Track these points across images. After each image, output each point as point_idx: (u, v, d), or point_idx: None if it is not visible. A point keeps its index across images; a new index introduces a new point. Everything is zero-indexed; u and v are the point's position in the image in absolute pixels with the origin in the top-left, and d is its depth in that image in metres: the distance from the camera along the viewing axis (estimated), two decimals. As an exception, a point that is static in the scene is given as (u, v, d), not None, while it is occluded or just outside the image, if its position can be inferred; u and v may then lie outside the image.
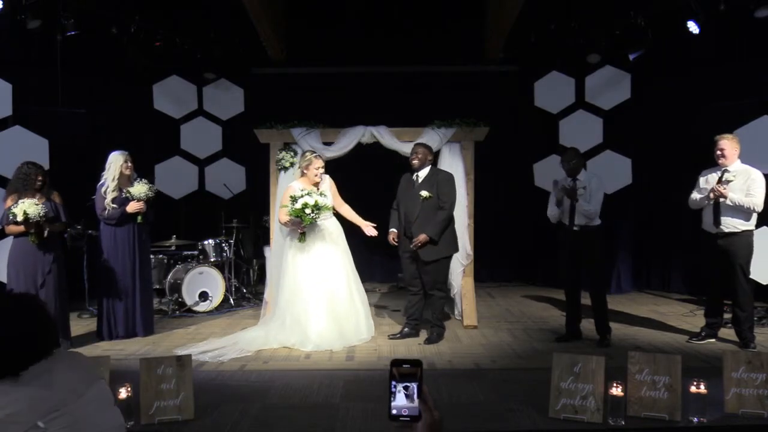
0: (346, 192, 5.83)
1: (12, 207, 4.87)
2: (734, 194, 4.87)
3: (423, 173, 5.40)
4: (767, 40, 6.44)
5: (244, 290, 7.56)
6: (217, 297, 6.77)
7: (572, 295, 5.43)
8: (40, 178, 5.10)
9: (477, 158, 6.13)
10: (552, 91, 8.13)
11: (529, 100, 8.17)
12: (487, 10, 8.35)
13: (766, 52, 6.59)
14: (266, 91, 8.47)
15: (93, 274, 5.97)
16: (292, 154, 6.08)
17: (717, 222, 4.99)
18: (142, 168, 6.19)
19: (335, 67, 8.41)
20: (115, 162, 5.45)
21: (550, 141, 8.10)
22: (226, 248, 7.15)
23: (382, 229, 5.63)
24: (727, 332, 5.33)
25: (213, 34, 7.80)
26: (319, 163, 5.48)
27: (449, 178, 5.45)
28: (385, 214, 5.69)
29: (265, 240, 7.06)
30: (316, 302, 5.27)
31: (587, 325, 5.46)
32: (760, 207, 4.90)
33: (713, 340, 5.28)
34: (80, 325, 6.17)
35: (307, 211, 5.10)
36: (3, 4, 5.99)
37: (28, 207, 4.79)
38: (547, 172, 7.81)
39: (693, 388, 3.43)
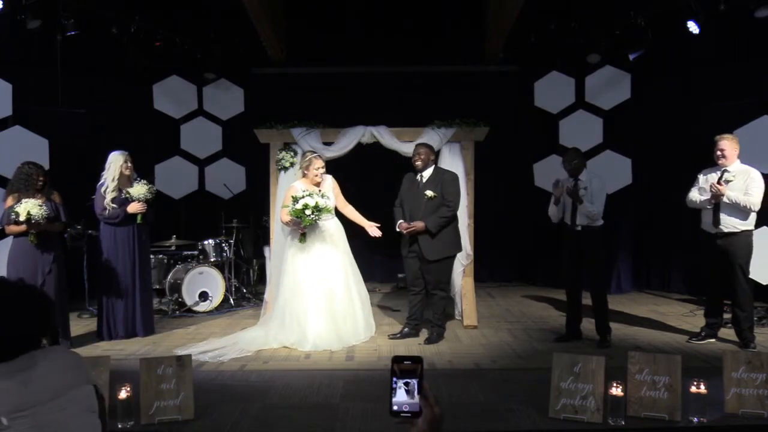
0: (345, 192, 5.82)
1: (14, 207, 4.88)
2: (732, 192, 4.87)
3: (427, 173, 5.40)
4: (767, 40, 6.44)
5: (244, 290, 7.56)
6: (217, 297, 6.78)
7: (573, 295, 5.42)
8: (41, 178, 5.10)
9: (477, 158, 6.13)
10: (552, 91, 8.13)
11: (529, 100, 8.17)
12: (487, 10, 8.34)
13: (766, 52, 6.59)
14: (266, 91, 8.47)
15: (93, 274, 5.97)
16: (292, 154, 6.09)
17: (716, 222, 4.99)
18: (142, 168, 6.19)
19: (335, 67, 8.41)
20: (115, 162, 5.45)
21: (550, 141, 8.10)
22: (226, 248, 7.15)
23: (384, 229, 5.63)
24: (727, 332, 5.33)
25: (213, 34, 7.80)
26: (319, 163, 5.48)
27: (454, 178, 5.46)
28: (385, 214, 5.69)
29: (265, 240, 7.06)
30: (315, 302, 5.28)
31: (587, 325, 5.46)
32: (757, 206, 4.90)
33: (713, 340, 5.28)
34: (80, 325, 6.17)
35: (307, 212, 5.11)
36: (3, 4, 6.00)
37: (32, 208, 4.79)
38: (547, 172, 7.81)
39: (693, 388, 3.43)
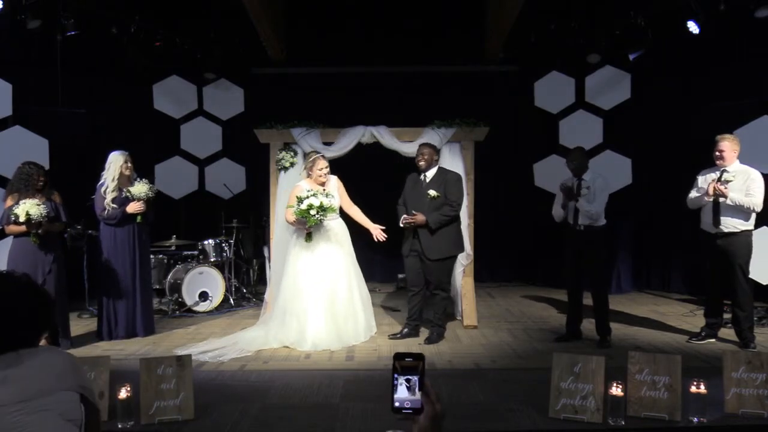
0: (346, 192, 5.82)
1: (13, 207, 4.88)
2: (734, 194, 4.87)
3: (431, 173, 5.41)
4: (767, 40, 6.44)
5: (244, 290, 7.56)
6: (217, 297, 6.78)
7: (574, 295, 5.42)
8: (41, 178, 5.11)
9: (477, 158, 6.13)
10: (552, 91, 8.13)
11: (529, 100, 8.17)
12: (487, 10, 8.35)
13: (766, 52, 6.59)
14: (266, 91, 8.47)
15: (93, 274, 5.97)
16: (292, 154, 6.09)
17: (717, 222, 4.99)
18: (142, 168, 6.19)
19: (335, 67, 8.41)
20: (115, 162, 5.45)
21: (550, 141, 8.11)
22: (226, 248, 7.15)
23: (384, 229, 5.62)
24: (727, 332, 5.33)
25: (213, 34, 7.80)
26: (323, 163, 5.49)
27: (458, 178, 5.46)
28: (385, 214, 5.71)
29: (265, 240, 7.06)
30: (316, 302, 5.27)
31: (587, 325, 5.46)
32: (759, 207, 4.90)
33: (713, 340, 5.28)
34: (80, 325, 6.17)
35: (312, 212, 5.12)
36: (3, 4, 6.00)
37: (31, 208, 4.79)
38: (547, 172, 7.82)
39: (693, 388, 3.43)
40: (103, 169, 5.50)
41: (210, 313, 6.72)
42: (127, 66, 7.37)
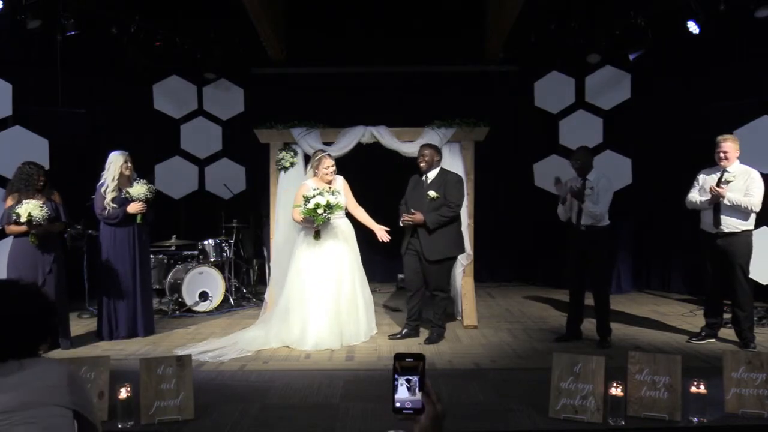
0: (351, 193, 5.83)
1: (15, 207, 4.88)
2: (733, 194, 4.87)
3: (432, 174, 5.41)
4: (767, 40, 6.44)
5: (244, 290, 7.56)
6: (217, 297, 6.78)
7: (576, 295, 5.41)
8: (41, 178, 5.11)
9: (477, 158, 6.13)
10: (552, 91, 8.13)
11: (529, 100, 8.16)
12: (487, 10, 8.35)
13: (766, 52, 6.59)
14: (266, 91, 8.47)
15: (93, 274, 5.97)
16: (292, 154, 6.09)
17: (717, 222, 4.99)
18: (142, 168, 6.19)
19: (335, 67, 8.41)
20: (115, 162, 5.45)
21: (550, 141, 8.10)
22: (226, 248, 7.15)
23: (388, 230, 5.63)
24: (727, 332, 5.33)
25: (213, 34, 7.80)
26: (330, 161, 5.49)
27: (459, 179, 5.46)
28: (385, 215, 5.71)
29: (265, 240, 7.06)
30: (318, 301, 5.27)
31: (587, 325, 5.46)
32: (757, 207, 4.90)
33: (713, 340, 5.28)
34: (80, 325, 6.17)
35: (319, 211, 5.12)
36: (3, 4, 5.99)
37: (33, 209, 4.79)
38: (547, 172, 7.80)
39: (693, 388, 3.43)
40: (103, 169, 5.50)
41: (210, 313, 6.72)
42: (127, 66, 7.36)
